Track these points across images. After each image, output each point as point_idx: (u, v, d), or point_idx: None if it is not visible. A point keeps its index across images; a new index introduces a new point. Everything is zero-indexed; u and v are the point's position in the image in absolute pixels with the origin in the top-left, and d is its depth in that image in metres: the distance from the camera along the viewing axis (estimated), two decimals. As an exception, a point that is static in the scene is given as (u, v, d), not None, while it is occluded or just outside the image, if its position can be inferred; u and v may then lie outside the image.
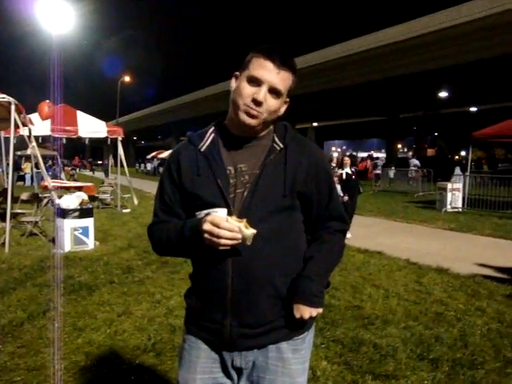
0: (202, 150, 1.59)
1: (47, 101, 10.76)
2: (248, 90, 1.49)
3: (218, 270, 1.50)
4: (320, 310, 1.56)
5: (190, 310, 1.64)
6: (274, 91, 1.50)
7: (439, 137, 63.71)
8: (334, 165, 12.68)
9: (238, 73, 1.57)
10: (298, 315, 1.52)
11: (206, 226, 1.38)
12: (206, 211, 1.49)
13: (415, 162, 24.30)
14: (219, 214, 1.44)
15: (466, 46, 24.22)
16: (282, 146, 1.57)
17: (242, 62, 1.56)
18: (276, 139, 1.59)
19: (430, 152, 57.98)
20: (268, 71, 1.48)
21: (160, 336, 4.05)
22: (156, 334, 4.10)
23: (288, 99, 1.61)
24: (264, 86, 1.49)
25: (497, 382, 3.28)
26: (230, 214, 1.45)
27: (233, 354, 1.56)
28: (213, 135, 1.63)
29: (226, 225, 1.36)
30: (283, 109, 1.61)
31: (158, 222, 1.66)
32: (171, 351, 3.73)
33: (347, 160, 9.48)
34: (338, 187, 8.80)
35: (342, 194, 8.93)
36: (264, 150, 1.57)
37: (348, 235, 7.82)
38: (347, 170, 9.22)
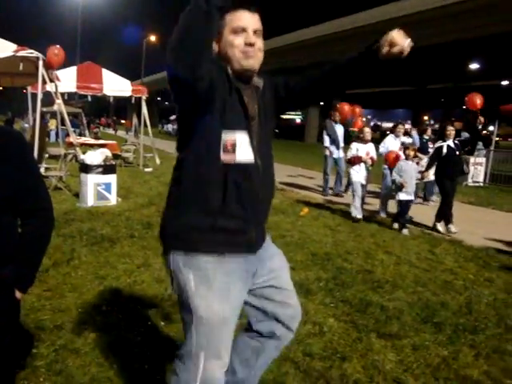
0: (231, 77, 1.77)
1: (57, 46, 10.51)
2: (237, 39, 1.74)
3: (251, 191, 1.77)
4: None
5: (223, 231, 1.75)
6: (257, 32, 1.77)
7: (467, 110, 62.26)
8: (428, 136, 10.79)
9: (216, 39, 1.75)
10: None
11: None
12: (232, 133, 1.72)
13: (466, 135, 23.59)
14: (243, 138, 1.74)
15: (501, 16, 23.40)
16: (262, 82, 1.86)
17: (217, 26, 1.69)
18: (255, 78, 1.85)
19: (457, 125, 56.79)
20: (247, 18, 1.75)
21: (176, 288, 4.24)
22: (173, 285, 4.30)
23: None
24: (249, 30, 1.74)
25: (496, 346, 3.41)
26: (251, 139, 1.76)
27: (254, 257, 1.88)
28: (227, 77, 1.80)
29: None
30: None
31: None
32: (186, 302, 3.92)
33: (451, 130, 7.48)
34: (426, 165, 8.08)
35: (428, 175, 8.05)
36: (255, 88, 1.85)
37: (453, 229, 7.21)
38: (449, 142, 7.44)
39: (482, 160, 14.19)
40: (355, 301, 4.16)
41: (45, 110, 15.31)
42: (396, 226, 7.28)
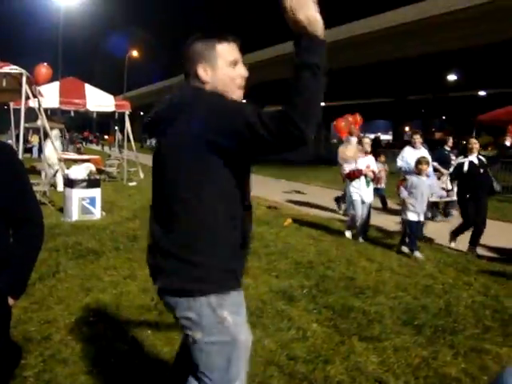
0: None
1: (44, 63, 10.78)
2: (235, 72, 1.81)
3: (249, 233, 1.87)
4: None
5: (234, 272, 1.80)
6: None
7: (447, 120, 63.30)
8: (449, 148, 9.88)
9: (205, 67, 1.78)
10: None
11: None
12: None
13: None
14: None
15: (477, 29, 24.00)
16: None
17: (201, 54, 1.78)
18: None
19: (438, 135, 57.74)
20: (237, 51, 1.83)
21: (162, 298, 4.30)
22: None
23: None
24: (240, 62, 1.83)
25: (473, 345, 3.54)
26: None
27: None
28: None
29: None
30: None
31: None
32: (173, 311, 3.99)
33: (474, 144, 6.75)
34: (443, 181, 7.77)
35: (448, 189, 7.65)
36: None
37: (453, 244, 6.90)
38: (472, 158, 6.72)
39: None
40: (338, 306, 4.26)
41: (28, 125, 15.28)
42: (406, 250, 6.37)
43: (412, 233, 6.30)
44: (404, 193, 6.34)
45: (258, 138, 1.52)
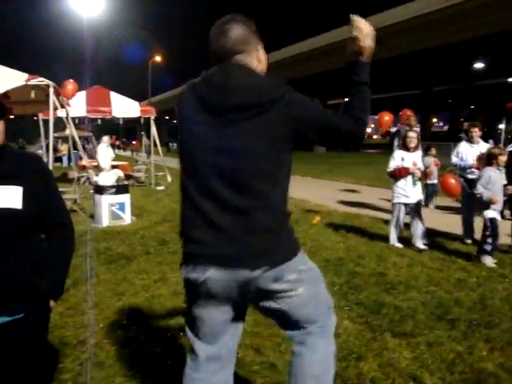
0: None
1: (70, 80, 11.21)
2: None
3: None
4: None
5: None
6: None
7: (476, 110, 62.02)
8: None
9: (262, 48, 1.96)
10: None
11: None
12: None
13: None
14: None
15: (501, 15, 23.44)
16: None
17: (257, 34, 1.92)
18: None
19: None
20: None
21: (193, 299, 4.35)
22: (190, 297, 4.41)
23: None
24: None
25: (510, 339, 3.46)
26: None
27: None
28: None
29: None
30: None
31: None
32: (204, 312, 4.03)
33: None
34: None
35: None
36: None
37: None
38: None
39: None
40: (369, 303, 4.22)
41: (57, 135, 15.63)
42: (489, 261, 5.50)
43: (495, 233, 5.54)
44: (484, 191, 5.50)
45: (337, 134, 1.83)
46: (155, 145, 15.55)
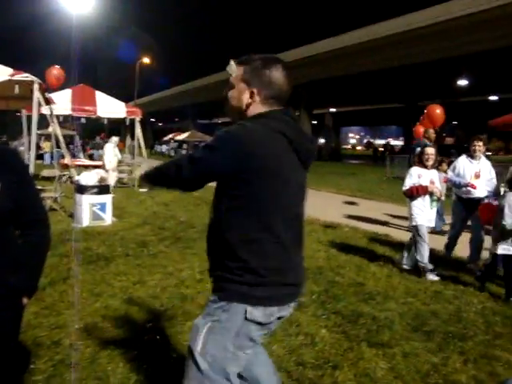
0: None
1: (55, 66, 10.80)
2: None
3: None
4: None
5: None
6: (229, 83, 2.00)
7: (458, 126, 62.92)
8: None
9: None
10: None
11: None
12: None
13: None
14: None
15: (488, 34, 23.88)
16: None
17: None
18: None
19: (449, 141, 57.44)
20: None
21: (172, 303, 4.33)
22: (168, 301, 4.39)
23: (254, 89, 1.92)
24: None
25: (484, 352, 3.51)
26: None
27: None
28: None
29: None
30: (245, 96, 1.94)
31: None
32: (182, 316, 4.01)
33: None
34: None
35: None
36: None
37: None
38: None
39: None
40: (347, 312, 4.24)
41: (40, 132, 15.45)
42: None
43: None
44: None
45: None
46: (139, 146, 15.46)
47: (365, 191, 14.83)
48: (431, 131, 8.37)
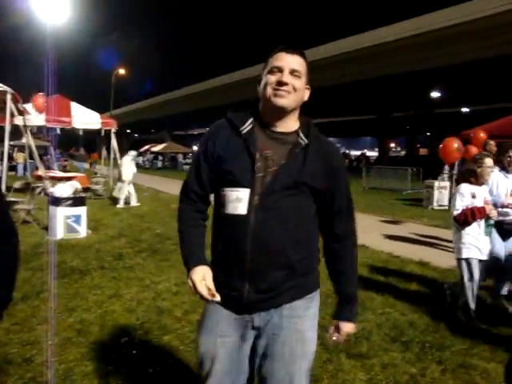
0: (243, 132, 1.81)
1: (40, 93, 11.01)
2: (272, 77, 1.76)
3: (237, 244, 1.76)
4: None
5: (213, 281, 1.78)
6: (294, 72, 1.76)
7: (431, 137, 64.09)
8: None
9: (260, 77, 1.85)
10: (339, 333, 2.03)
11: (190, 281, 1.74)
12: (231, 190, 1.77)
13: None
14: (241, 194, 1.73)
15: (459, 47, 24.51)
16: (306, 141, 1.80)
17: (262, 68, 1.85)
18: (301, 135, 1.82)
19: (423, 151, 58.50)
20: (285, 58, 1.77)
21: (148, 317, 4.26)
22: (144, 315, 4.31)
23: (309, 87, 1.86)
24: (286, 70, 1.75)
25: (461, 361, 3.53)
26: (252, 194, 1.73)
27: (253, 316, 1.80)
28: (253, 122, 1.84)
29: (198, 288, 1.69)
30: (307, 94, 1.87)
31: (185, 211, 1.92)
32: (158, 330, 3.94)
33: None
34: None
35: None
36: (290, 143, 1.81)
37: None
38: None
39: (447, 184, 14.63)
40: (325, 324, 4.21)
41: (12, 143, 15.17)
42: None
43: None
44: None
45: None
46: (115, 158, 15.31)
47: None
48: (492, 143, 6.96)
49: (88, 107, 15.06)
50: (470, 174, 4.48)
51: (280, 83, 1.73)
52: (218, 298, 1.69)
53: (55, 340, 3.69)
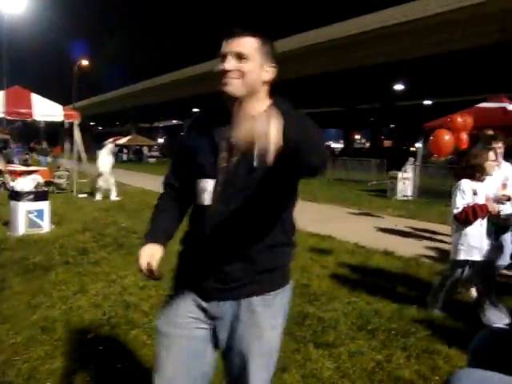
0: (212, 122, 1.78)
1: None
2: (219, 66, 1.70)
3: (198, 233, 1.77)
4: None
5: (179, 267, 1.87)
6: (238, 56, 1.68)
7: (395, 129, 65.29)
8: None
9: None
10: None
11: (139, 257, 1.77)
12: (199, 181, 1.77)
13: None
14: (206, 184, 1.74)
15: (422, 40, 24.95)
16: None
17: None
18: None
19: (387, 143, 59.55)
20: (226, 44, 1.70)
21: (114, 312, 4.20)
22: (111, 309, 4.25)
23: (274, 65, 1.75)
24: (228, 56, 1.68)
25: (425, 347, 3.63)
26: (216, 184, 1.72)
27: (211, 304, 1.79)
28: (221, 111, 1.77)
29: (139, 262, 1.75)
30: (267, 74, 1.74)
31: (160, 199, 1.97)
32: (125, 325, 3.89)
33: None
34: None
35: None
36: None
37: None
38: None
39: (409, 175, 14.95)
40: (293, 313, 4.25)
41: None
42: None
43: None
44: None
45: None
46: (78, 150, 14.97)
47: (307, 193, 15.04)
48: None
49: (51, 99, 14.63)
50: (475, 169, 4.13)
51: (224, 72, 1.68)
52: (156, 276, 1.74)
53: (18, 338, 3.60)
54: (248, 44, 1.69)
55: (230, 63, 1.67)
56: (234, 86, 1.68)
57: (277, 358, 1.88)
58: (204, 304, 1.80)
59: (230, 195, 1.70)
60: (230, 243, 1.73)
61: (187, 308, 1.82)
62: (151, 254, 1.75)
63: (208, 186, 1.73)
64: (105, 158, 13.08)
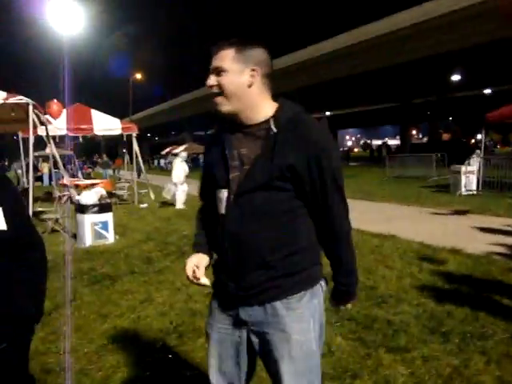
0: (223, 134, 1.81)
1: (54, 100, 11.10)
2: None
3: (220, 242, 1.80)
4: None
5: (213, 275, 1.91)
6: (216, 71, 1.71)
7: (453, 121, 62.97)
8: None
9: None
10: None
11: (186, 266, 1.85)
12: (217, 192, 1.81)
13: None
14: (222, 194, 1.77)
15: (477, 28, 23.91)
16: (275, 131, 1.69)
17: None
18: (271, 124, 1.70)
19: (446, 137, 57.50)
20: (212, 60, 1.73)
21: (181, 320, 4.24)
22: (177, 317, 4.30)
23: (254, 67, 1.70)
24: (210, 72, 1.73)
25: (506, 351, 3.41)
26: (229, 194, 1.74)
27: (239, 310, 1.80)
28: (231, 123, 1.80)
29: (186, 270, 1.84)
30: (248, 79, 1.70)
31: (198, 211, 2.06)
32: (192, 333, 3.91)
33: None
34: None
35: None
36: (261, 136, 1.72)
37: None
38: None
39: (474, 168, 14.31)
40: (360, 317, 4.15)
41: (37, 154, 15.42)
42: None
43: None
44: None
45: None
46: (138, 162, 15.42)
47: (365, 192, 14.73)
48: None
49: (108, 113, 15.16)
50: None
51: (209, 89, 1.74)
52: (203, 281, 1.80)
53: (91, 347, 3.70)
54: (224, 56, 1.71)
55: (211, 79, 1.73)
56: (220, 104, 1.73)
57: (318, 365, 1.80)
58: (232, 311, 1.83)
59: (243, 204, 1.72)
60: (246, 250, 1.74)
61: (220, 314, 1.87)
62: (197, 262, 1.83)
63: (223, 195, 1.77)
64: (179, 166, 13.36)
